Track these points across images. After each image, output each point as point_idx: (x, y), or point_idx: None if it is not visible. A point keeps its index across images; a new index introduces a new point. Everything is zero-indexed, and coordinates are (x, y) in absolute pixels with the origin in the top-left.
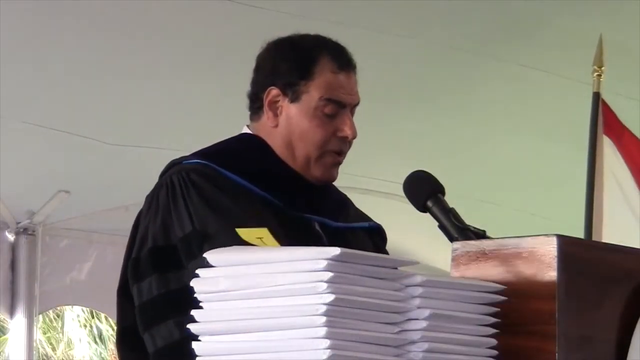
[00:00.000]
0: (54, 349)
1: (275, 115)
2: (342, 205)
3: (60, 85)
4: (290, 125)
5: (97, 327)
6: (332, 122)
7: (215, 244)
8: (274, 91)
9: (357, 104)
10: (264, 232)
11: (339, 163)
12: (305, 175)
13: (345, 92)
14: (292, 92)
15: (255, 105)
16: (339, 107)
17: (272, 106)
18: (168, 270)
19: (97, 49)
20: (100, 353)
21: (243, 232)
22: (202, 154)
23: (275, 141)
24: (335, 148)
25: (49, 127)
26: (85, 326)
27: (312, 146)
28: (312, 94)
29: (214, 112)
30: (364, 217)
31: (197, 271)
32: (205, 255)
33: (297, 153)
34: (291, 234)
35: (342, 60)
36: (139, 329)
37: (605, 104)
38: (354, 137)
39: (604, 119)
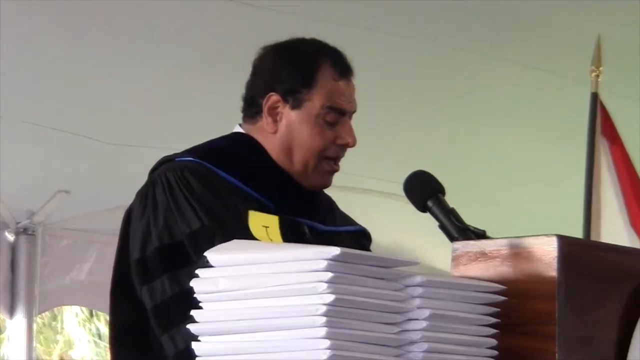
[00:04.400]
0: (47, 349)
1: (275, 122)
2: (330, 209)
3: (60, 85)
4: (290, 132)
5: (96, 327)
6: (332, 130)
7: (227, 238)
8: (274, 97)
9: (354, 111)
10: (272, 221)
11: (335, 171)
12: (301, 181)
13: (346, 100)
14: (293, 99)
15: (252, 109)
16: (340, 114)
17: (271, 112)
18: (179, 268)
19: (97, 49)
20: (99, 353)
21: (253, 215)
22: (195, 152)
23: (273, 146)
24: (333, 155)
25: (49, 127)
26: (84, 325)
27: (311, 153)
28: (315, 101)
29: (215, 111)
30: (350, 221)
31: (197, 271)
32: (205, 254)
33: (296, 159)
34: (283, 236)
35: (343, 67)
36: (155, 331)
37: (602, 106)
38: (354, 144)
39: (601, 121)
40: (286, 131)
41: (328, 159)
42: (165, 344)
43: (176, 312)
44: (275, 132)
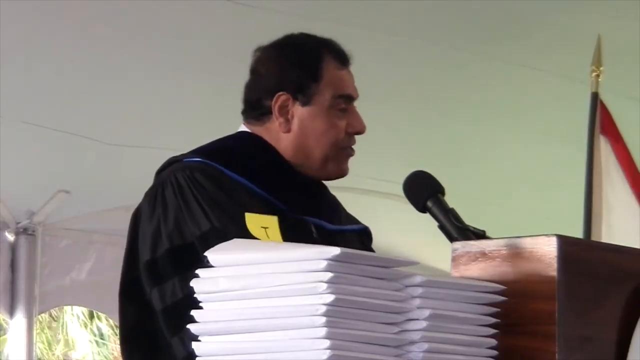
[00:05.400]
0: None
1: (287, 121)
2: (336, 208)
3: (60, 86)
4: (304, 128)
5: (98, 327)
6: (344, 118)
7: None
8: (284, 97)
9: (357, 98)
10: (271, 221)
11: (351, 155)
12: (319, 175)
13: (352, 87)
14: (304, 95)
15: (258, 111)
16: (349, 101)
17: (282, 111)
18: (189, 270)
19: (97, 49)
20: (101, 352)
21: (250, 217)
22: (202, 152)
23: (287, 145)
24: (348, 144)
25: (49, 127)
26: (85, 325)
27: (330, 145)
28: (324, 94)
29: (215, 112)
30: (354, 220)
31: (197, 271)
32: (205, 254)
33: (315, 154)
34: (290, 235)
35: (343, 56)
36: (165, 333)
37: (603, 105)
38: (365, 131)
39: (601, 120)
40: (300, 129)
41: (345, 148)
42: (175, 346)
43: (186, 315)
44: (288, 132)
